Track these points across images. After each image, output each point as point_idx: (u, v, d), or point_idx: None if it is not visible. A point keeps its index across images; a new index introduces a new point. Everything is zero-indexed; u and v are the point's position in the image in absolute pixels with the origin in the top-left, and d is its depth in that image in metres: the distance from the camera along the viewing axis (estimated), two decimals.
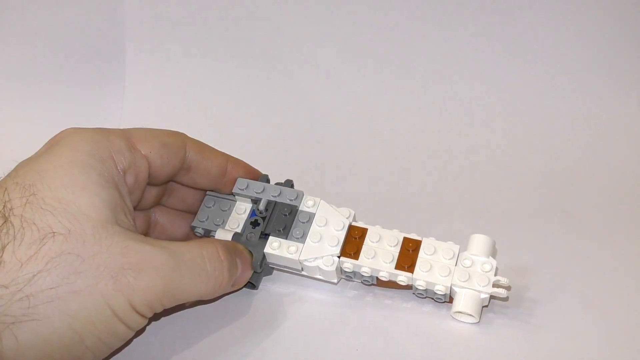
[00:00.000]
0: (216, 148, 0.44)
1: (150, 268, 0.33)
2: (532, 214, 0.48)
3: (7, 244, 0.31)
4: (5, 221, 0.31)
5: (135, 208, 0.42)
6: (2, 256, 0.30)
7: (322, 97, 0.58)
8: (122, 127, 0.40)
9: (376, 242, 0.41)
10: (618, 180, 0.50)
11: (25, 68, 0.60)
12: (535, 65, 0.56)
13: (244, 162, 0.45)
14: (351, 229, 0.42)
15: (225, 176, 0.43)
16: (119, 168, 0.36)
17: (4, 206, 0.32)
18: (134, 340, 0.40)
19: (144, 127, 0.41)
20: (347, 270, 0.41)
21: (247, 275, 0.41)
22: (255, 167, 0.45)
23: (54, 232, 0.31)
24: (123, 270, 0.32)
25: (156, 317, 0.39)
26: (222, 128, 0.55)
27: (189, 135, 0.42)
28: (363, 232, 0.42)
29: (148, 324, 0.37)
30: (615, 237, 0.46)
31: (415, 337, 0.40)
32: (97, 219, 0.33)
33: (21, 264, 0.30)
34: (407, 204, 0.50)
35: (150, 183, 0.40)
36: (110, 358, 0.39)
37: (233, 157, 0.44)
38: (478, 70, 0.57)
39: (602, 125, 0.54)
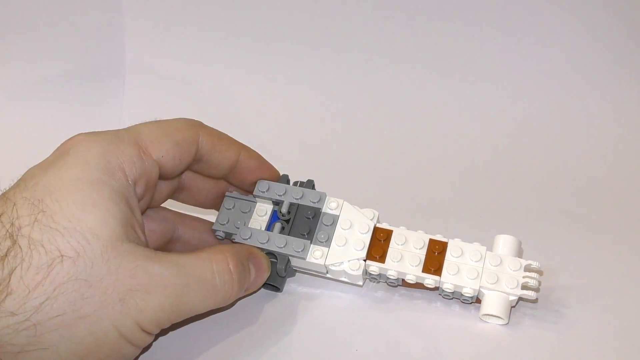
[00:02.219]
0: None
1: (158, 288, 0.33)
2: (529, 215, 0.49)
3: (15, 268, 0.30)
4: (13, 243, 0.31)
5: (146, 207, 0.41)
6: (9, 282, 0.30)
7: (331, 95, 0.58)
8: (123, 127, 0.38)
9: (402, 244, 0.41)
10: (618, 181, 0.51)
11: (25, 69, 0.60)
12: (534, 65, 0.57)
13: (258, 155, 0.43)
14: (376, 230, 0.42)
15: (237, 168, 0.42)
16: (129, 180, 0.35)
17: (11, 224, 0.31)
18: None
19: (155, 120, 0.40)
20: (372, 273, 0.41)
21: (262, 279, 0.40)
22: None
23: (62, 256, 0.31)
24: (131, 292, 0.32)
25: (164, 332, 0.39)
26: (227, 127, 0.55)
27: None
28: (388, 234, 0.41)
29: (155, 339, 0.37)
30: (614, 237, 0.46)
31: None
32: (107, 239, 0.32)
33: (29, 290, 0.30)
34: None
35: (164, 179, 0.40)
36: None
37: (247, 148, 0.43)
38: (478, 70, 0.58)
39: (603, 124, 0.54)
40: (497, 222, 0.47)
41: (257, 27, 0.60)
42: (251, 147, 0.43)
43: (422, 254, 0.40)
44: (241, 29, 0.60)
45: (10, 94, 0.61)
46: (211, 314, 0.42)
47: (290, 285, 0.44)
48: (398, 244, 0.41)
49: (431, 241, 0.41)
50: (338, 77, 0.59)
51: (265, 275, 0.40)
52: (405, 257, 0.40)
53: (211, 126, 0.42)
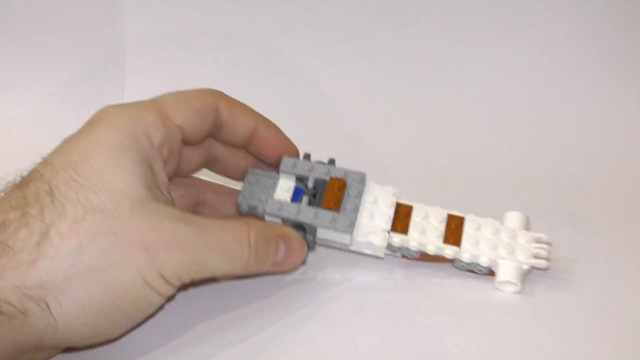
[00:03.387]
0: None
1: (180, 245, 0.36)
2: (531, 215, 0.50)
3: (54, 221, 0.33)
4: (52, 199, 0.34)
5: (178, 174, 0.44)
6: (49, 232, 0.33)
7: (335, 89, 0.60)
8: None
9: (423, 218, 0.44)
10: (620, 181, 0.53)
11: (25, 67, 0.62)
12: (535, 64, 0.59)
13: (275, 126, 0.45)
14: (398, 206, 0.44)
15: (255, 138, 0.45)
16: (154, 144, 0.38)
17: (50, 182, 0.34)
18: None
19: (176, 90, 0.42)
20: (394, 245, 0.43)
21: (294, 260, 0.42)
22: None
23: (94, 209, 0.34)
24: (155, 245, 0.35)
25: (186, 287, 0.42)
26: None
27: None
28: (409, 209, 0.44)
29: (178, 291, 0.39)
30: (617, 237, 0.48)
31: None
32: (135, 197, 0.35)
33: (67, 238, 0.33)
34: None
35: (187, 144, 0.42)
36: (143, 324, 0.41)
37: (265, 118, 0.45)
38: (478, 69, 0.60)
39: (603, 123, 0.57)
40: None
41: (258, 24, 0.61)
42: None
43: (442, 227, 0.43)
44: (242, 26, 0.61)
45: (10, 94, 0.62)
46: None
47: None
48: (419, 218, 0.44)
49: (449, 216, 0.44)
50: (346, 61, 0.61)
51: (298, 257, 0.42)
52: (427, 229, 0.43)
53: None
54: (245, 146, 0.45)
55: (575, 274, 0.44)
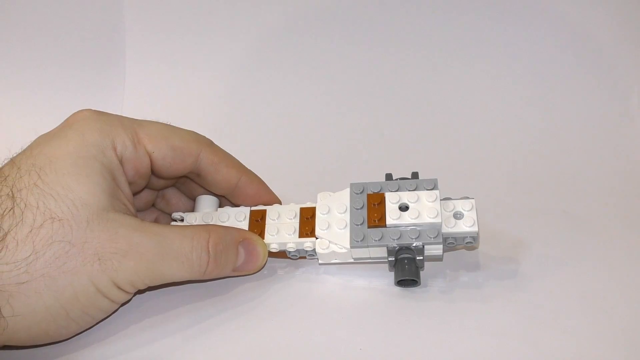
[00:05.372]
0: (233, 155, 0.45)
1: (134, 253, 0.37)
2: (530, 213, 0.49)
3: (12, 226, 0.35)
4: (13, 204, 0.35)
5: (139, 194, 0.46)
6: (6, 238, 0.35)
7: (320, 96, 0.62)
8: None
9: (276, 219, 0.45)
10: (618, 180, 0.52)
11: (26, 59, 0.63)
12: (536, 64, 0.59)
13: (258, 181, 0.46)
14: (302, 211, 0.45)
15: (235, 191, 0.45)
16: (119, 159, 0.40)
17: (13, 186, 0.36)
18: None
19: (166, 123, 0.43)
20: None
21: (254, 264, 0.43)
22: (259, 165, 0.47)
23: (52, 218, 0.35)
24: (109, 254, 0.36)
25: (142, 291, 0.43)
26: (221, 121, 0.60)
27: (214, 140, 0.44)
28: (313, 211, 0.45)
29: (134, 295, 0.41)
30: (614, 236, 0.47)
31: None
32: (94, 207, 0.37)
33: (22, 244, 0.35)
34: None
35: (157, 176, 0.44)
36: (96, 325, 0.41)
37: (249, 173, 0.46)
38: (478, 68, 0.60)
39: (602, 124, 0.56)
40: (496, 222, 0.48)
41: (261, 22, 0.62)
42: (254, 172, 0.46)
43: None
44: (242, 25, 0.62)
45: (11, 89, 0.63)
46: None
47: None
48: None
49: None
50: (338, 75, 0.62)
51: (258, 262, 0.43)
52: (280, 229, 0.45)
53: (218, 142, 0.45)
54: (225, 196, 0.46)
55: (574, 274, 0.44)
